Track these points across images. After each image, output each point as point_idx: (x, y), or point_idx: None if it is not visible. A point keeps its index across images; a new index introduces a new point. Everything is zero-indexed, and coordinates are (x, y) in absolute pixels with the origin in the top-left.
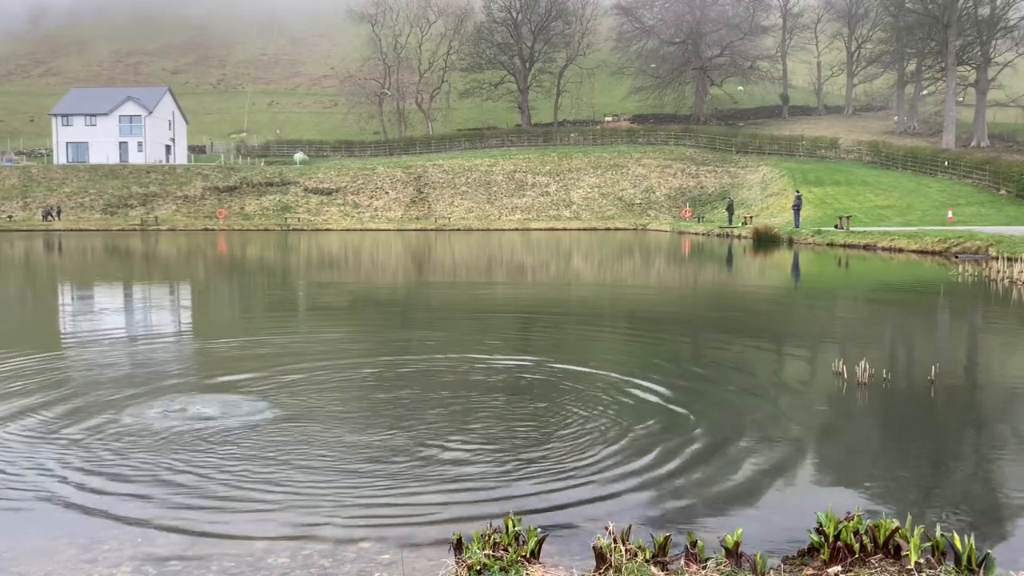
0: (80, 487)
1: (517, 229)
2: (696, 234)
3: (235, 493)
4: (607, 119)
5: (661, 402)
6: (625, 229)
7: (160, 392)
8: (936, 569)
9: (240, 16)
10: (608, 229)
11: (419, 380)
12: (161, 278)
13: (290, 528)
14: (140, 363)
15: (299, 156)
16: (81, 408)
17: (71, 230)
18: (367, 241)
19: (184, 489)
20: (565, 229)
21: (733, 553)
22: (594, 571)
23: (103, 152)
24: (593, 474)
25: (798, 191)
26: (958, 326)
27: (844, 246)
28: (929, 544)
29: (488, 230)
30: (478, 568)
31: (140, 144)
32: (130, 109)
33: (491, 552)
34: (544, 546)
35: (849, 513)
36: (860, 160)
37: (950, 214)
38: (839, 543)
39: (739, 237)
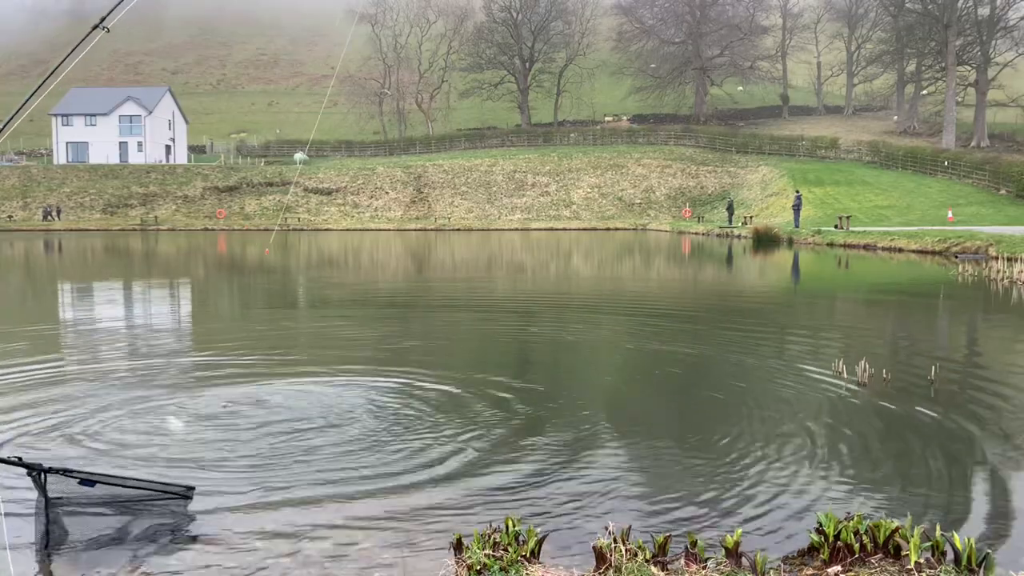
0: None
1: (517, 229)
2: (696, 234)
3: (233, 493)
4: (607, 119)
5: (660, 401)
6: (625, 229)
7: (153, 394)
8: (936, 569)
9: (240, 16)
10: (608, 229)
11: (415, 376)
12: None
13: (290, 527)
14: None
15: (299, 156)
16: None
17: (71, 230)
18: (367, 241)
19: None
20: (565, 229)
21: (733, 553)
22: (594, 571)
23: (103, 152)
24: (593, 473)
25: (798, 191)
26: (958, 326)
27: (844, 246)
28: (929, 544)
29: (488, 230)
30: (478, 568)
31: (140, 144)
32: (130, 109)
33: (491, 552)
34: (544, 546)
35: (849, 513)
36: (860, 160)
37: (950, 214)
38: (839, 543)
39: (739, 237)
